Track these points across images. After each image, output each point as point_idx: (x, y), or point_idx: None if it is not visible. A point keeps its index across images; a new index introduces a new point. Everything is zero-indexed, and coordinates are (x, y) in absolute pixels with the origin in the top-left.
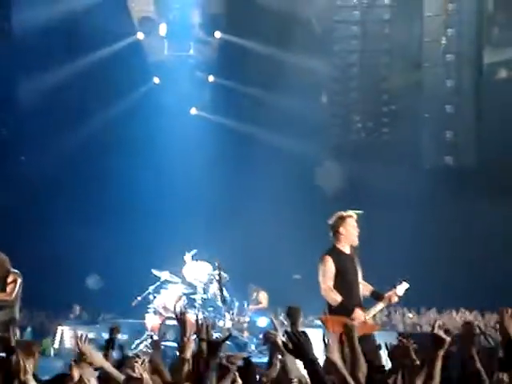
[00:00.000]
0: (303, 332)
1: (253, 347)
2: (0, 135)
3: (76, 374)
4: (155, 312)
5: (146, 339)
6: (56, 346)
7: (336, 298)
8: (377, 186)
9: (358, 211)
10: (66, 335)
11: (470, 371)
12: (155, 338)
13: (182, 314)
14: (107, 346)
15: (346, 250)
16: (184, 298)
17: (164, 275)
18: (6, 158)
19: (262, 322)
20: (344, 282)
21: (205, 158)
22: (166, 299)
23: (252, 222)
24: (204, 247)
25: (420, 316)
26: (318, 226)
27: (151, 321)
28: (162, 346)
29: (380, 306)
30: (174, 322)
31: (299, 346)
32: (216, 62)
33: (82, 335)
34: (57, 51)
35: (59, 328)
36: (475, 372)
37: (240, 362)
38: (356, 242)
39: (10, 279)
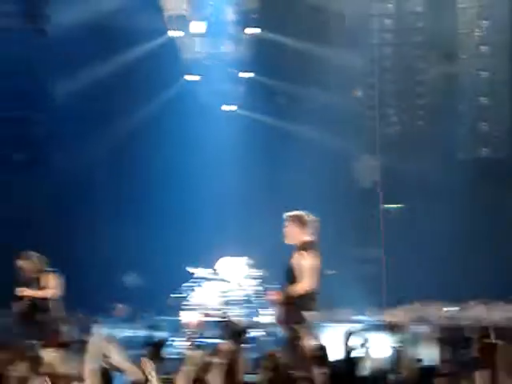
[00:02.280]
0: None
1: None
2: (37, 135)
3: None
4: (192, 309)
5: (183, 336)
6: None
7: None
8: (412, 178)
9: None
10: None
11: None
12: (192, 335)
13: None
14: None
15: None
16: (220, 295)
17: (200, 272)
18: (44, 158)
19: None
20: None
21: (240, 154)
22: (203, 296)
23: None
24: (239, 244)
25: (459, 310)
26: (355, 219)
27: (188, 318)
28: (200, 343)
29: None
30: (211, 319)
31: None
32: (250, 59)
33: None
34: (92, 50)
35: (97, 327)
36: None
37: None
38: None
39: (48, 278)
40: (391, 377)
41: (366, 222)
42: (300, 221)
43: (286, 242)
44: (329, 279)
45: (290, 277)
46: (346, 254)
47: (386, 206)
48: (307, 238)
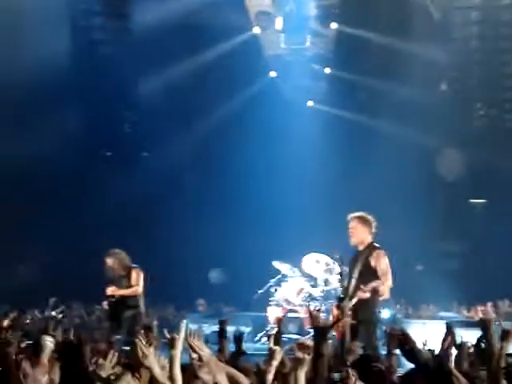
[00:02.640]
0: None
1: None
2: (123, 132)
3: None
4: (277, 305)
5: (268, 332)
6: (180, 334)
7: None
8: (500, 174)
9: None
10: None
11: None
12: (273, 331)
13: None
14: (219, 338)
15: (359, 247)
16: (305, 290)
17: (284, 268)
18: (129, 155)
19: (385, 313)
20: None
21: (322, 149)
22: (287, 292)
23: (370, 212)
24: (322, 239)
25: None
26: (439, 215)
27: (273, 313)
28: (285, 339)
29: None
30: (296, 315)
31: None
32: (332, 54)
33: (192, 331)
34: (175, 48)
35: (184, 322)
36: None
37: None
38: (351, 243)
39: (133, 275)
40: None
41: (450, 217)
42: (366, 221)
43: (353, 242)
44: (417, 275)
45: (369, 275)
46: (430, 250)
47: (471, 200)
48: (372, 237)
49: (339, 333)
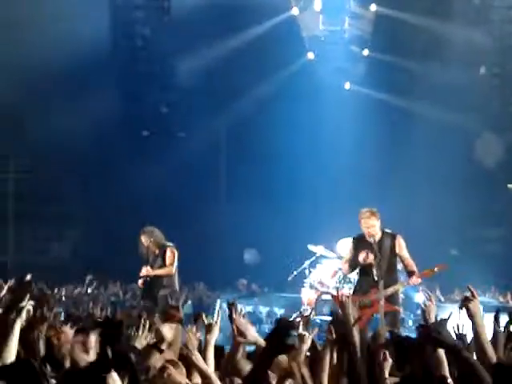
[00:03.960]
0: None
1: (410, 323)
2: (160, 112)
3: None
4: (311, 286)
5: (302, 313)
6: (215, 319)
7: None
8: None
9: None
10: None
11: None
12: (307, 313)
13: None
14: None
15: (371, 238)
16: (340, 272)
17: (319, 250)
18: (166, 135)
19: (419, 297)
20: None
21: (359, 132)
22: (322, 274)
23: (408, 196)
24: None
25: None
26: (477, 199)
27: (307, 295)
28: (318, 321)
29: (391, 289)
30: (330, 297)
31: (438, 337)
32: (371, 36)
33: (239, 309)
34: (213, 28)
35: (218, 301)
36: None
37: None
38: (370, 235)
39: (168, 254)
40: None
41: (488, 202)
42: (377, 214)
43: (378, 237)
44: (452, 260)
45: (395, 262)
46: (466, 234)
47: (510, 185)
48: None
49: (362, 322)
